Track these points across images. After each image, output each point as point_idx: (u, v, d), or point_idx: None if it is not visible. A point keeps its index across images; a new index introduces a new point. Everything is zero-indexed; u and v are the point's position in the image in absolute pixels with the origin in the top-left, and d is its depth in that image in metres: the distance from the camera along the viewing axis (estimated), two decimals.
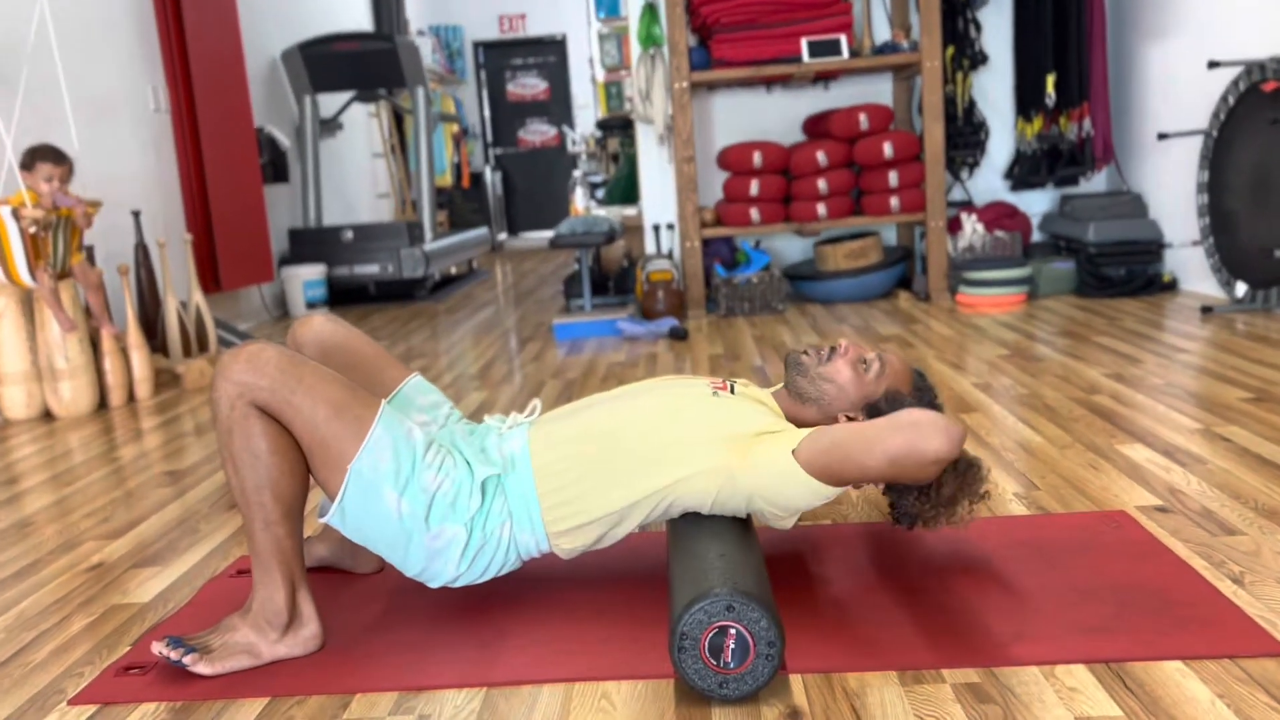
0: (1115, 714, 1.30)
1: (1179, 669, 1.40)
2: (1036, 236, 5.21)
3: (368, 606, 1.78)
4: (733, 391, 1.70)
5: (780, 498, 1.56)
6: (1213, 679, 1.37)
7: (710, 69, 4.77)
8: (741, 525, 1.62)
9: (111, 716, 1.48)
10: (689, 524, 1.63)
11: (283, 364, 1.51)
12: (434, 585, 1.64)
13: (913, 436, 1.45)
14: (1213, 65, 3.82)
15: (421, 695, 1.48)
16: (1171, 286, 4.50)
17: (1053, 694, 1.36)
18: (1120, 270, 4.56)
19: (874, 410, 1.69)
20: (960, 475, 1.64)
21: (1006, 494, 2.14)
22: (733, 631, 1.34)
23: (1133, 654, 1.44)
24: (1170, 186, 4.53)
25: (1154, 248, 4.54)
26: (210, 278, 5.21)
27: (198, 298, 4.51)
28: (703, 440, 1.58)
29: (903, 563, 1.81)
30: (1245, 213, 3.92)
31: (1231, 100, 3.91)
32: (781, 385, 1.79)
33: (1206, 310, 3.88)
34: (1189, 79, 4.31)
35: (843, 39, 4.68)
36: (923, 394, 1.78)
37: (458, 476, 1.59)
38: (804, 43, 4.68)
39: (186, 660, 1.53)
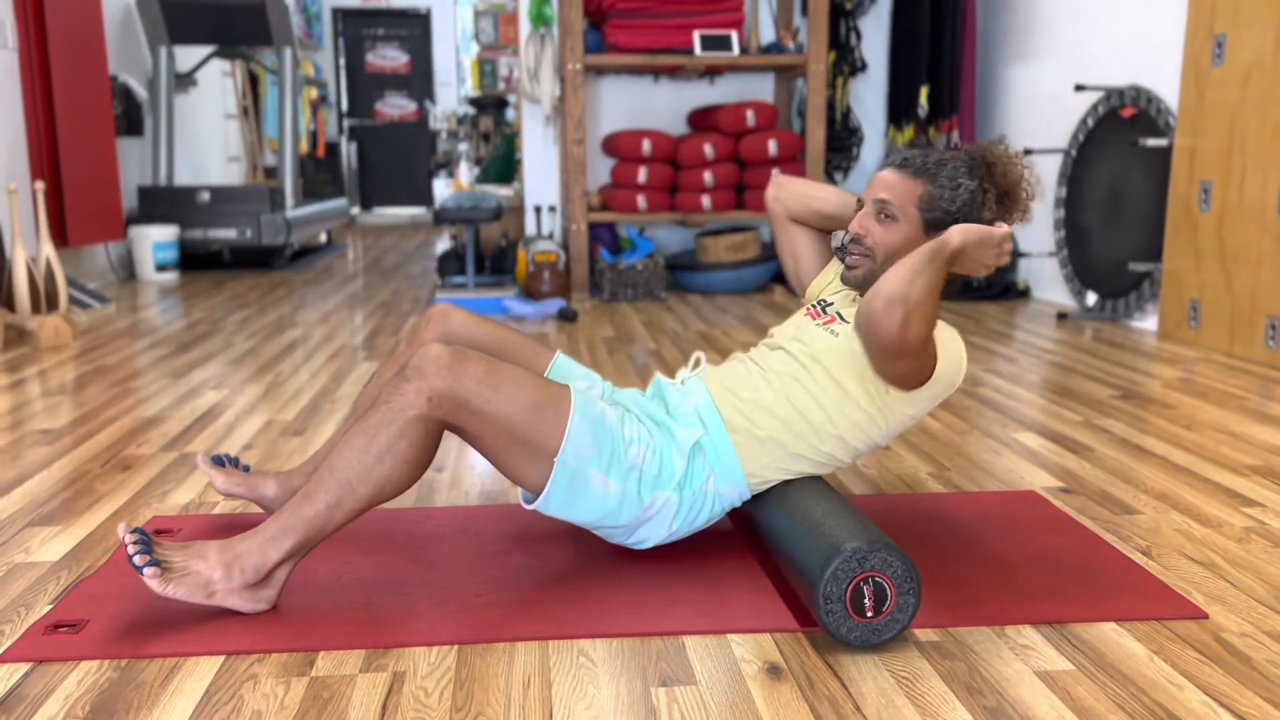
0: (1068, 668, 1.40)
1: (1115, 629, 1.51)
2: None
3: (318, 565, 1.72)
4: (839, 315, 1.74)
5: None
6: (1146, 638, 1.49)
7: (602, 53, 4.78)
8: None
9: (47, 675, 1.38)
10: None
11: (480, 374, 1.50)
12: (643, 548, 1.68)
13: (868, 324, 1.55)
14: (1079, 89, 4.10)
15: (392, 652, 1.44)
16: (1025, 294, 4.82)
17: (1008, 651, 1.45)
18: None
19: (938, 224, 1.69)
20: (984, 165, 1.72)
21: (921, 473, 2.25)
22: (880, 585, 1.44)
23: (1072, 616, 1.55)
24: None
25: (1011, 256, 4.83)
26: (56, 232, 4.85)
27: (48, 251, 4.20)
28: (847, 367, 1.66)
29: None
30: (1099, 228, 4.23)
31: (1091, 123, 4.21)
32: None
33: (1062, 317, 4.18)
34: (1051, 100, 4.61)
35: (734, 35, 4.78)
36: (931, 168, 1.72)
37: (658, 444, 1.62)
38: (696, 36, 4.76)
39: (147, 571, 1.44)
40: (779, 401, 1.67)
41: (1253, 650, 1.45)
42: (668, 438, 1.64)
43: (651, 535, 1.66)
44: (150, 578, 1.44)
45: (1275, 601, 1.60)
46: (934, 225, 1.69)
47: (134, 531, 1.46)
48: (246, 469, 1.95)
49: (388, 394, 1.50)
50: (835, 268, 1.91)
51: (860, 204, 1.80)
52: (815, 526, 1.53)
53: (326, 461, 1.50)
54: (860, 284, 1.74)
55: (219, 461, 1.91)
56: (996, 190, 1.72)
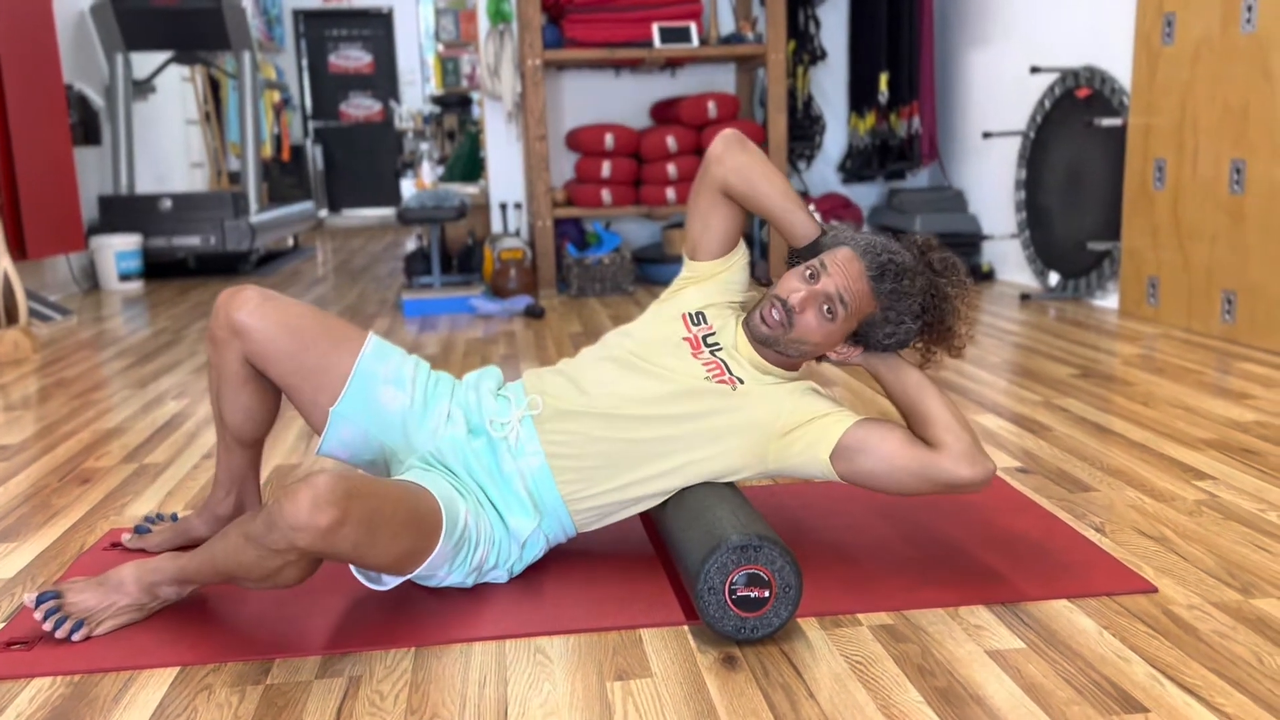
0: (1019, 646, 1.42)
1: (1066, 606, 1.53)
2: (866, 228, 5.49)
3: None
4: (727, 367, 1.66)
5: (802, 475, 1.65)
6: (1096, 614, 1.51)
7: (562, 48, 4.77)
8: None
9: None
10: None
11: (356, 538, 1.36)
12: (433, 585, 1.63)
13: (942, 485, 1.54)
14: (1035, 70, 4.13)
15: (348, 657, 1.44)
16: (989, 276, 4.85)
17: (961, 631, 1.47)
18: None
19: (859, 338, 1.66)
20: (935, 314, 1.67)
21: None
22: (764, 579, 1.44)
23: (1025, 595, 1.56)
24: (990, 183, 4.88)
25: (974, 240, 4.87)
26: (14, 245, 4.79)
27: (6, 264, 4.15)
28: (734, 435, 1.62)
29: (806, 519, 1.90)
30: (1059, 208, 4.27)
31: (1048, 104, 4.24)
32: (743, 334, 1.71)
33: (1025, 298, 4.21)
34: (1009, 83, 4.64)
35: (693, 27, 4.78)
36: (893, 297, 1.63)
37: (498, 538, 1.61)
38: (655, 28, 4.75)
39: (59, 634, 1.48)
40: (633, 462, 1.63)
41: (1200, 622, 1.47)
42: (505, 532, 1.62)
43: (450, 578, 1.62)
44: (77, 638, 1.48)
45: (1223, 573, 1.63)
46: (858, 338, 1.67)
47: (38, 600, 1.48)
48: (174, 517, 1.93)
49: (257, 537, 1.35)
50: (733, 267, 1.78)
51: (814, 232, 1.72)
52: (685, 532, 1.55)
53: (212, 561, 1.46)
54: (762, 339, 1.65)
55: (143, 530, 1.87)
56: (932, 333, 1.68)
